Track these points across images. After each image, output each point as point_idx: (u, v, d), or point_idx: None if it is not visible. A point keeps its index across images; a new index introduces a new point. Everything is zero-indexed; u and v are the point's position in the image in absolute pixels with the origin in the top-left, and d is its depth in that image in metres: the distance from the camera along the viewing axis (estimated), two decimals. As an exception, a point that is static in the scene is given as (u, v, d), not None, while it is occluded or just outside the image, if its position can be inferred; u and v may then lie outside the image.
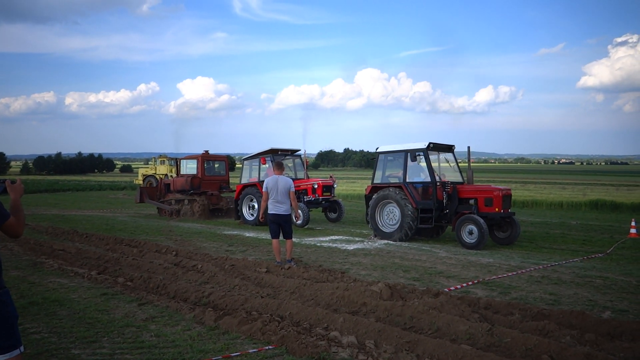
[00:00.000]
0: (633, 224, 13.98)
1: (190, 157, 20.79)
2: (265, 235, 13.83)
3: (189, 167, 20.51)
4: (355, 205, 24.83)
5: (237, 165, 61.88)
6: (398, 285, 6.95)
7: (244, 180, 17.37)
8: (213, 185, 20.04)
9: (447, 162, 13.10)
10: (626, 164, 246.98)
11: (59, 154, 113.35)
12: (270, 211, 8.91)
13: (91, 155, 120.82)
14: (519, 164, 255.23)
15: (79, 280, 7.68)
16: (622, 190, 35.69)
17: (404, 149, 12.73)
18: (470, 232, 11.30)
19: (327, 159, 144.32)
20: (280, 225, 8.95)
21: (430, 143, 12.33)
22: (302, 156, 17.90)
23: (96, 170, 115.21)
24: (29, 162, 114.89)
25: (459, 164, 13.53)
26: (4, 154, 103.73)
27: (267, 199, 8.89)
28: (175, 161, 23.03)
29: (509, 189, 12.14)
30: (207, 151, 20.64)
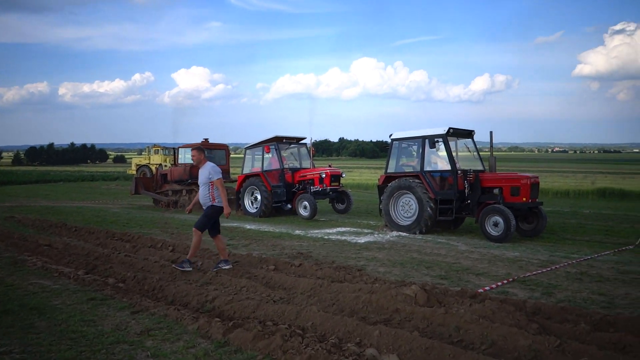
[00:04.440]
0: None
1: (188, 145, 19.75)
2: (268, 227, 12.96)
3: (188, 157, 19.54)
4: (356, 195, 23.94)
5: (231, 156, 60.91)
6: (427, 285, 6.10)
7: (246, 170, 16.46)
8: None
9: (467, 148, 12.16)
10: (619, 152, 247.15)
11: (51, 145, 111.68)
12: (219, 204, 7.40)
13: (84, 146, 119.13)
14: (512, 152, 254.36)
15: (63, 282, 6.77)
16: (627, 178, 35.26)
17: (421, 135, 11.75)
18: (496, 224, 10.42)
19: (321, 148, 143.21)
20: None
21: (450, 128, 11.37)
22: (308, 145, 16.96)
23: (89, 161, 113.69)
24: (21, 152, 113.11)
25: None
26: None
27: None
28: (173, 150, 22.10)
29: (537, 177, 11.21)
30: (206, 139, 19.69)
